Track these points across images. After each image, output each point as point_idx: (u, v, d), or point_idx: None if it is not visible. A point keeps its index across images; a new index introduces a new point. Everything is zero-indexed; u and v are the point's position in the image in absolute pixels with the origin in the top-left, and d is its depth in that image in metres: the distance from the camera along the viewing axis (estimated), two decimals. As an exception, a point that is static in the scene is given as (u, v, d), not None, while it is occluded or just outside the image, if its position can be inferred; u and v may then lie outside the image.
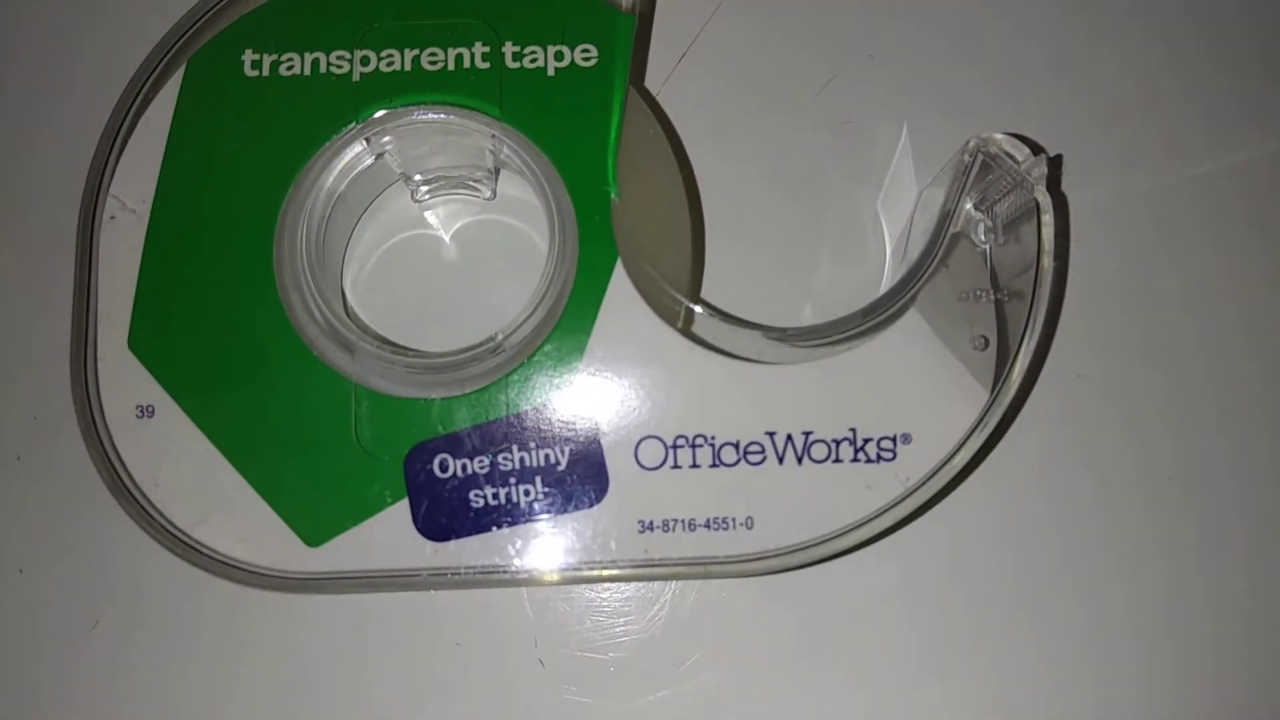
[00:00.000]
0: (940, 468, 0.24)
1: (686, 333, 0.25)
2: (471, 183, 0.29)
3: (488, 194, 0.29)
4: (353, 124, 0.26)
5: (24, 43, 0.30)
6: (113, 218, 0.26)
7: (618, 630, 0.27)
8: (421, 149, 0.27)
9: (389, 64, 0.26)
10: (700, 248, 0.28)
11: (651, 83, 0.29)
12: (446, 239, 0.29)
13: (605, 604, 0.27)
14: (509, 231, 0.29)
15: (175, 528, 0.25)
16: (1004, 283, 0.25)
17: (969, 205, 0.26)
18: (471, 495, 0.25)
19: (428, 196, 0.29)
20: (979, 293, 0.25)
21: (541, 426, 0.25)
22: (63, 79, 0.30)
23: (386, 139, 0.26)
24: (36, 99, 0.30)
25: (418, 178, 0.28)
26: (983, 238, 0.26)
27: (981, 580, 0.28)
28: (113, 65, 0.27)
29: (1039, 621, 0.27)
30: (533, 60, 0.26)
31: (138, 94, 0.26)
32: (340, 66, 0.26)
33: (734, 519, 0.25)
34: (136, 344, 0.25)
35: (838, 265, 0.29)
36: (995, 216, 0.26)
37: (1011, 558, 0.28)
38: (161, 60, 0.26)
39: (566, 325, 0.25)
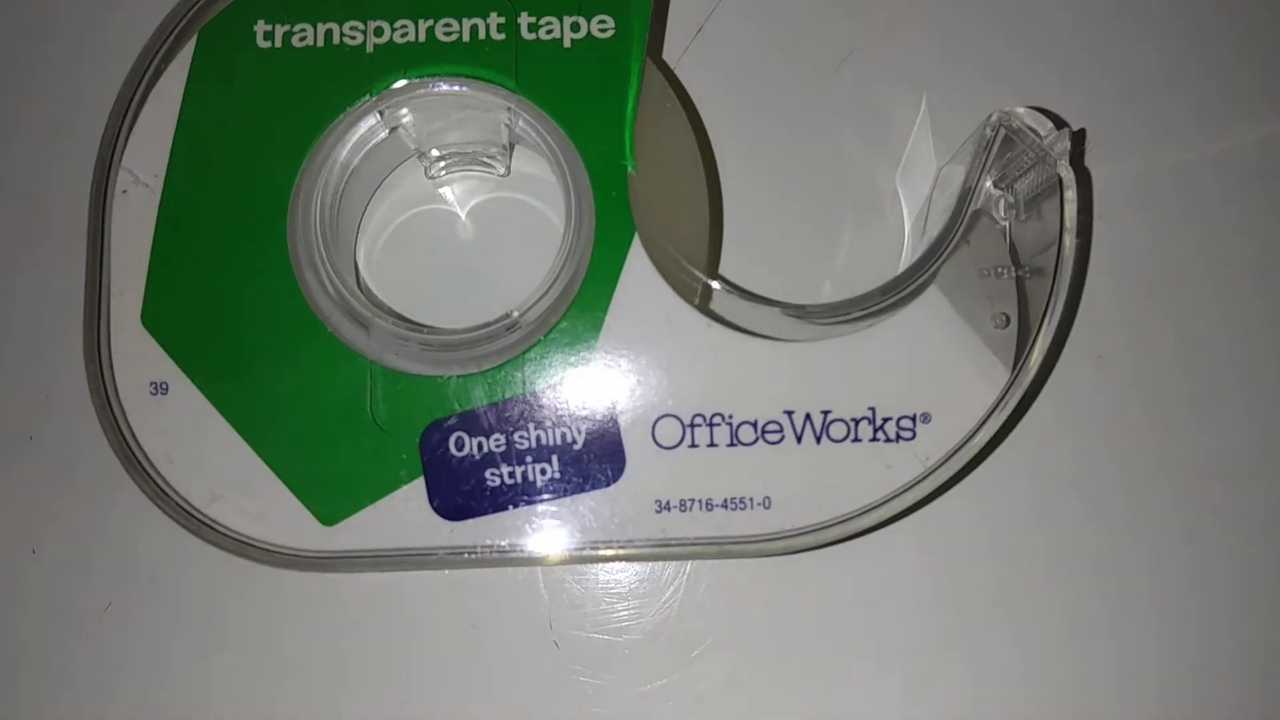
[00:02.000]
0: (960, 447, 0.24)
1: (704, 309, 0.25)
2: (486, 159, 0.28)
3: (502, 170, 0.29)
4: (366, 96, 0.26)
5: (35, 16, 0.30)
6: (125, 191, 0.25)
7: (633, 612, 0.27)
8: (436, 123, 0.27)
9: (403, 35, 0.26)
10: (718, 223, 0.28)
11: (669, 55, 0.29)
12: (461, 216, 0.29)
13: (621, 585, 0.27)
14: (524, 209, 0.29)
15: (190, 505, 0.25)
16: (1025, 260, 0.25)
17: (989, 183, 0.26)
18: (488, 474, 0.25)
19: (442, 173, 0.29)
20: (1000, 269, 0.25)
21: (558, 405, 0.25)
22: (74, 52, 0.30)
23: (402, 111, 0.26)
24: (48, 72, 0.30)
25: (433, 153, 0.28)
26: (1003, 214, 0.26)
27: (1002, 561, 0.27)
28: (124, 37, 0.26)
29: (1060, 603, 0.27)
30: (549, 31, 0.26)
31: (149, 65, 0.26)
32: (354, 37, 0.26)
33: (751, 499, 0.24)
34: (150, 320, 0.25)
35: (858, 241, 0.28)
36: (1016, 193, 0.25)
37: (1032, 538, 0.27)
38: (173, 31, 0.26)
39: (583, 302, 0.25)
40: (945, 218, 0.26)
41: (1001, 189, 0.26)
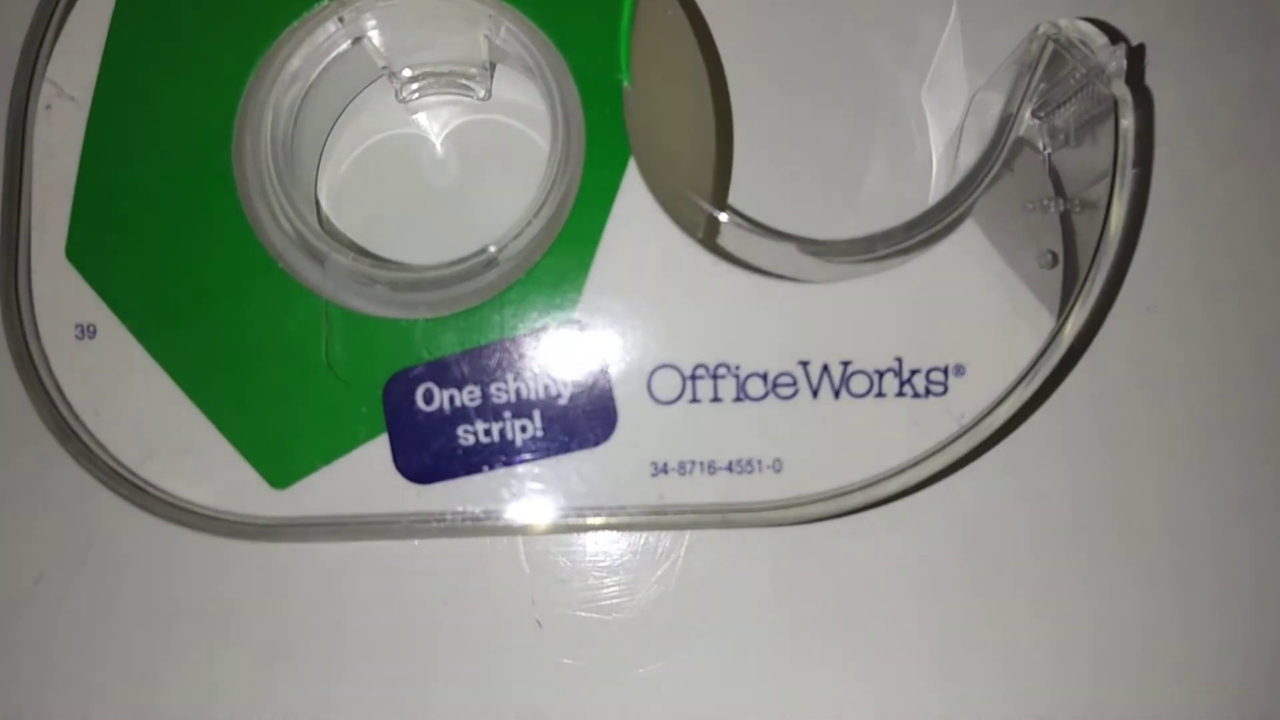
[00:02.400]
0: (999, 403, 0.22)
1: (709, 245, 0.23)
2: (464, 80, 0.26)
3: (481, 93, 0.26)
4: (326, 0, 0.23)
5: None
6: (48, 107, 0.23)
7: (625, 588, 0.25)
8: (407, 36, 0.24)
9: (368, -69, 0.23)
10: (727, 147, 0.26)
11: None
12: (436, 142, 0.26)
13: (612, 557, 0.25)
14: (506, 133, 0.26)
15: (120, 464, 0.22)
16: (1075, 192, 0.23)
17: (1028, 111, 0.23)
18: (460, 431, 0.22)
19: (415, 95, 0.26)
20: (1047, 202, 0.23)
21: (540, 353, 0.22)
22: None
23: (366, 17, 0.23)
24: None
25: (406, 73, 0.25)
26: (1047, 141, 0.23)
27: (1041, 534, 0.25)
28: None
29: (1106, 581, 0.25)
30: (534, -71, 0.23)
31: (77, -37, 0.23)
32: (311, -66, 0.23)
33: (760, 461, 0.22)
34: (75, 254, 0.23)
35: (885, 169, 0.26)
36: (1065, 118, 0.23)
37: (1075, 508, 0.25)
38: (105, -76, 0.23)
39: (570, 236, 0.22)
40: (981, 146, 0.24)
41: (1042, 116, 0.23)
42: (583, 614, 0.25)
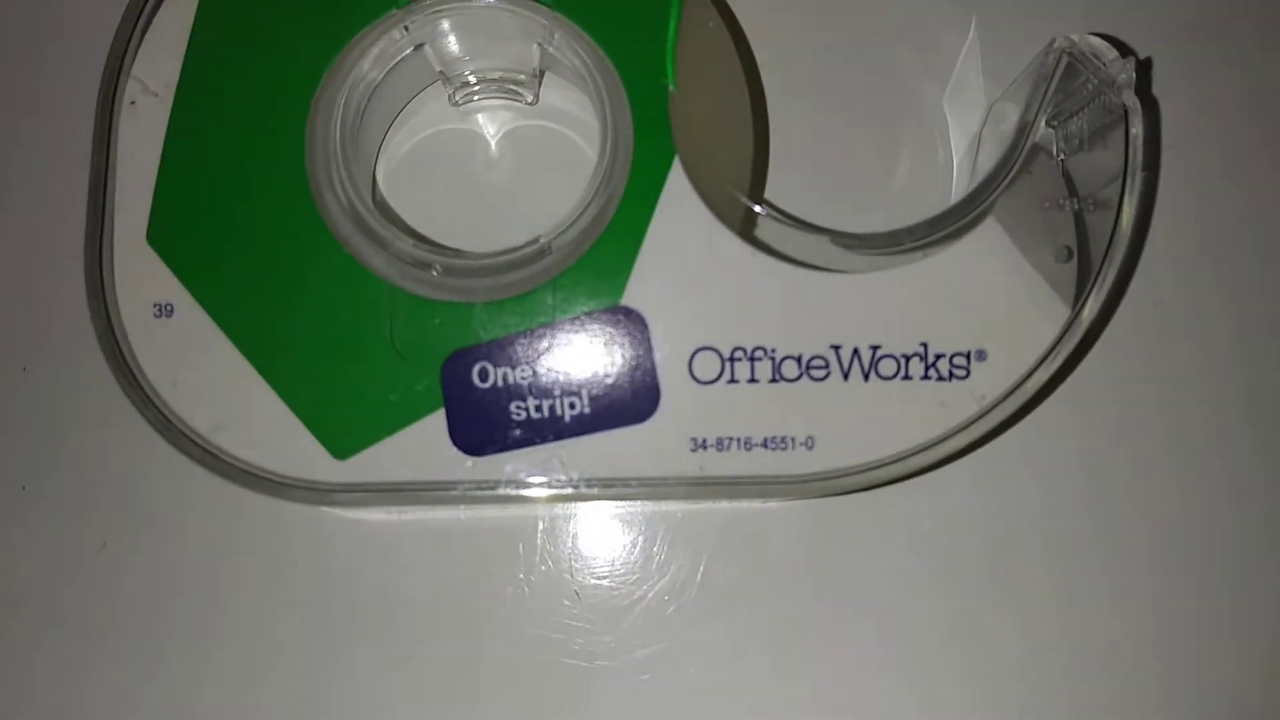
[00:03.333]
0: (1019, 386, 0.23)
1: (747, 237, 0.24)
2: (513, 86, 0.27)
3: (530, 98, 0.27)
4: (392, 9, 0.24)
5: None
6: (133, 102, 0.24)
7: (662, 559, 0.26)
8: (464, 42, 0.26)
9: (433, -54, 0.24)
10: (764, 146, 0.27)
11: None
12: (491, 143, 0.27)
13: (650, 529, 0.26)
14: (556, 136, 0.27)
15: (194, 433, 0.23)
16: (1088, 193, 0.24)
17: (1044, 119, 0.24)
18: (513, 407, 0.23)
19: (469, 98, 0.27)
20: (1062, 201, 0.24)
21: (589, 335, 0.23)
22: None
23: (429, 27, 0.25)
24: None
25: (469, 74, 0.27)
26: (1062, 146, 0.24)
27: (1058, 509, 0.26)
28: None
29: (1111, 550, 0.26)
30: (586, -54, 0.24)
31: (163, -30, 0.24)
32: (381, -52, 0.25)
33: (794, 438, 0.23)
34: (156, 238, 0.24)
35: (913, 168, 0.27)
36: (1079, 125, 0.24)
37: (1089, 485, 0.26)
38: (189, -64, 0.25)
39: (618, 227, 0.23)
40: (1000, 150, 0.25)
41: (1056, 124, 0.24)
42: (619, 586, 0.26)
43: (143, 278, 0.23)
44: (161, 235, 0.24)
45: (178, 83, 0.24)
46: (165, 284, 0.23)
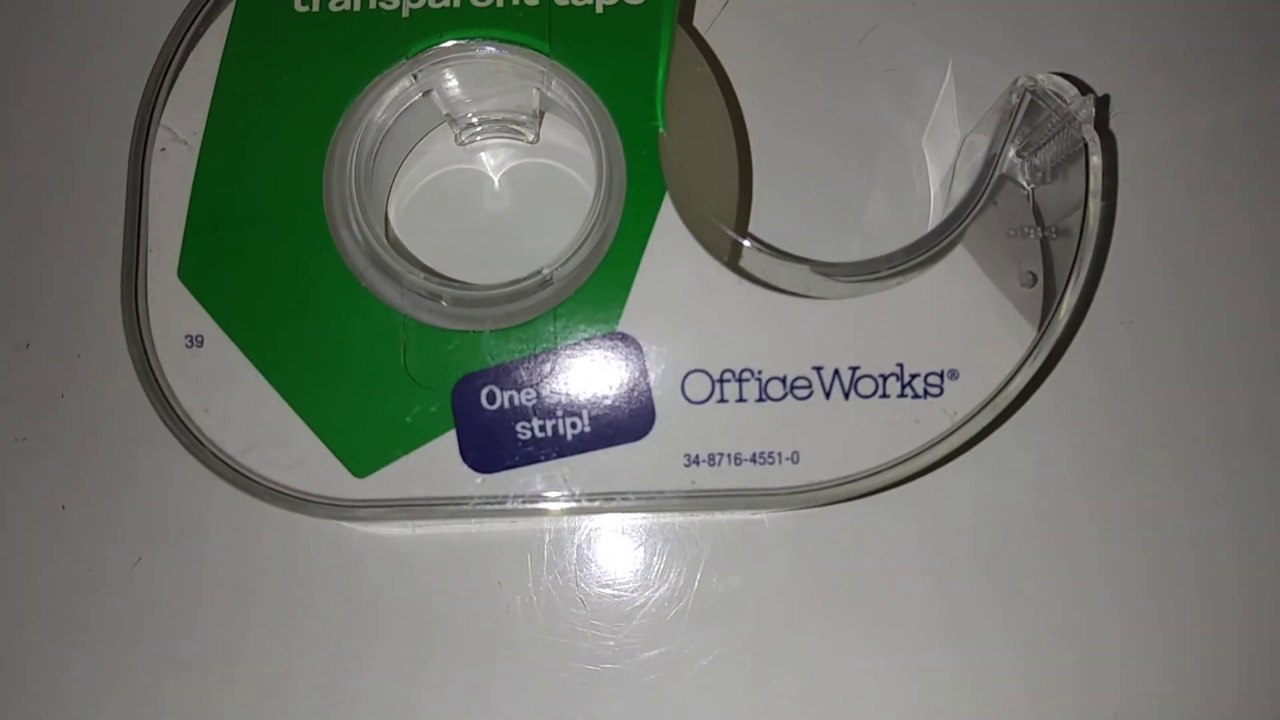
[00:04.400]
0: (988, 403, 0.24)
1: (734, 267, 0.25)
2: (515, 126, 0.29)
3: (531, 137, 0.29)
4: (402, 59, 0.26)
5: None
6: (164, 149, 0.26)
7: (661, 568, 0.27)
8: (469, 88, 0.27)
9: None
10: (747, 183, 0.28)
11: (699, 22, 0.30)
12: (493, 180, 0.29)
13: (649, 540, 0.28)
14: (554, 174, 0.29)
15: (224, 454, 0.25)
16: (1052, 221, 0.25)
17: (1013, 150, 0.26)
18: (519, 427, 0.25)
19: (474, 139, 0.29)
20: (1027, 230, 0.25)
21: (589, 359, 0.25)
22: (116, 12, 0.30)
23: (436, 75, 0.26)
24: (90, 32, 0.30)
25: (464, 119, 0.28)
26: (1028, 179, 0.26)
27: (1029, 516, 0.28)
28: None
29: (1073, 553, 0.28)
30: (582, -2, 0.26)
31: (189, 27, 0.26)
32: (390, 2, 0.26)
33: (780, 453, 0.25)
34: (186, 274, 0.25)
35: (885, 202, 0.29)
36: (1042, 158, 0.26)
37: (1058, 493, 0.28)
38: (212, -4, 0.26)
39: (614, 259, 0.25)
40: (971, 181, 0.26)
41: (1025, 156, 0.26)
42: (620, 594, 0.27)
43: (175, 311, 0.25)
44: (192, 272, 0.25)
45: (204, 130, 0.26)
46: (196, 317, 0.25)
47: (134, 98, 0.26)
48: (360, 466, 0.25)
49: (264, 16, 0.26)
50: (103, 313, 0.28)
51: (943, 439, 0.24)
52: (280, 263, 0.25)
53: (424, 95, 0.27)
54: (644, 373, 0.25)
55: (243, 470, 0.25)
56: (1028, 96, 0.25)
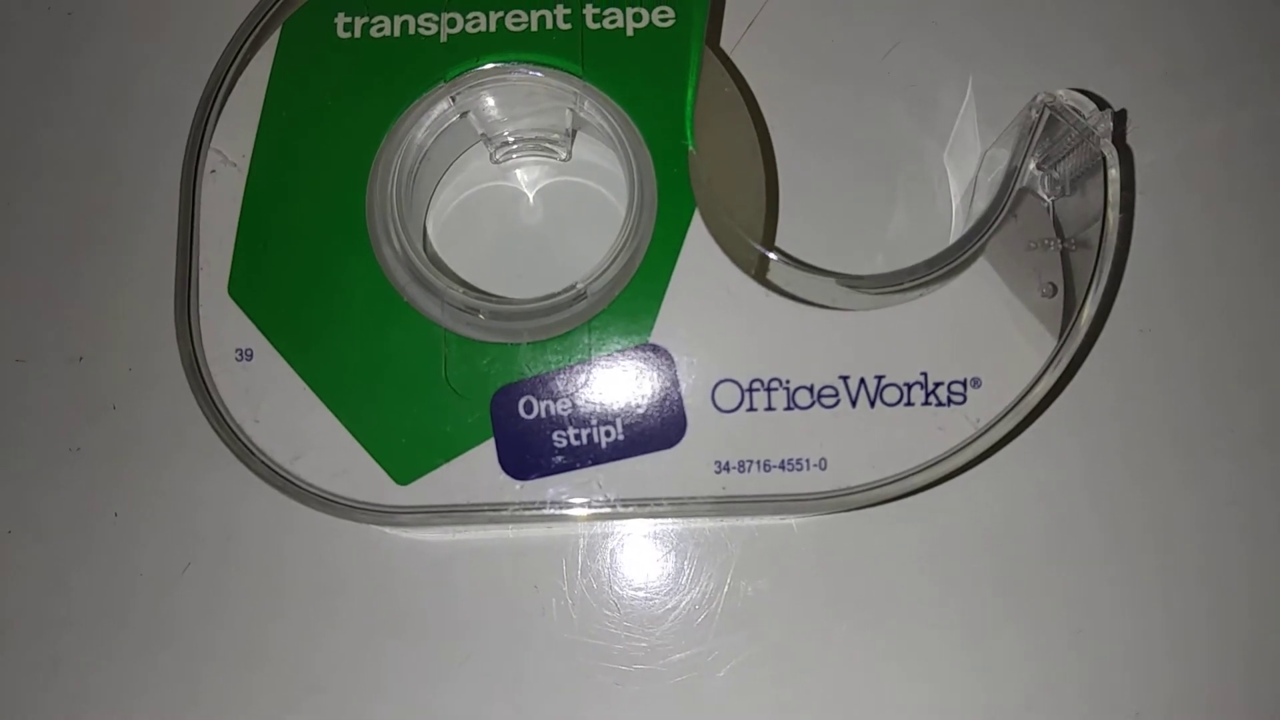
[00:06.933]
0: (1010, 410, 0.25)
1: (762, 280, 0.26)
2: (548, 145, 0.30)
3: (563, 155, 0.30)
4: (440, 83, 0.27)
5: (134, 10, 0.32)
6: (214, 171, 0.27)
7: (693, 572, 0.28)
8: (504, 109, 0.28)
9: (474, 25, 0.27)
10: (774, 199, 0.29)
11: (726, 43, 0.30)
12: (528, 197, 0.30)
13: (681, 545, 0.28)
14: (587, 191, 0.30)
15: (273, 462, 0.26)
16: (1071, 233, 0.26)
17: (1033, 164, 0.26)
18: (555, 436, 0.25)
19: (507, 157, 0.30)
20: (1047, 242, 0.26)
21: (622, 370, 0.26)
22: (166, 41, 0.32)
23: (472, 97, 0.27)
24: (142, 60, 0.32)
25: (499, 138, 0.29)
26: (1048, 191, 0.27)
27: (1050, 521, 0.28)
28: (212, 28, 0.28)
29: (1091, 559, 0.28)
30: (612, 21, 0.27)
31: (236, 54, 0.27)
32: (428, 28, 0.27)
33: (808, 460, 0.25)
34: (236, 290, 0.26)
35: (908, 216, 0.29)
36: (1061, 172, 0.26)
37: (1079, 501, 0.28)
38: (259, 24, 0.27)
39: (646, 273, 0.26)
40: (992, 195, 0.27)
41: (1045, 169, 0.27)
42: (653, 597, 0.28)
43: (225, 326, 0.26)
44: (241, 288, 0.26)
45: (252, 153, 0.27)
46: (245, 331, 0.26)
47: (185, 122, 0.27)
48: (403, 474, 0.26)
49: (308, 43, 0.27)
50: (153, 327, 0.29)
51: (966, 445, 0.25)
52: (325, 279, 0.26)
53: (461, 116, 0.28)
54: (675, 382, 0.26)
55: (291, 478, 0.26)
56: (1047, 112, 0.26)
